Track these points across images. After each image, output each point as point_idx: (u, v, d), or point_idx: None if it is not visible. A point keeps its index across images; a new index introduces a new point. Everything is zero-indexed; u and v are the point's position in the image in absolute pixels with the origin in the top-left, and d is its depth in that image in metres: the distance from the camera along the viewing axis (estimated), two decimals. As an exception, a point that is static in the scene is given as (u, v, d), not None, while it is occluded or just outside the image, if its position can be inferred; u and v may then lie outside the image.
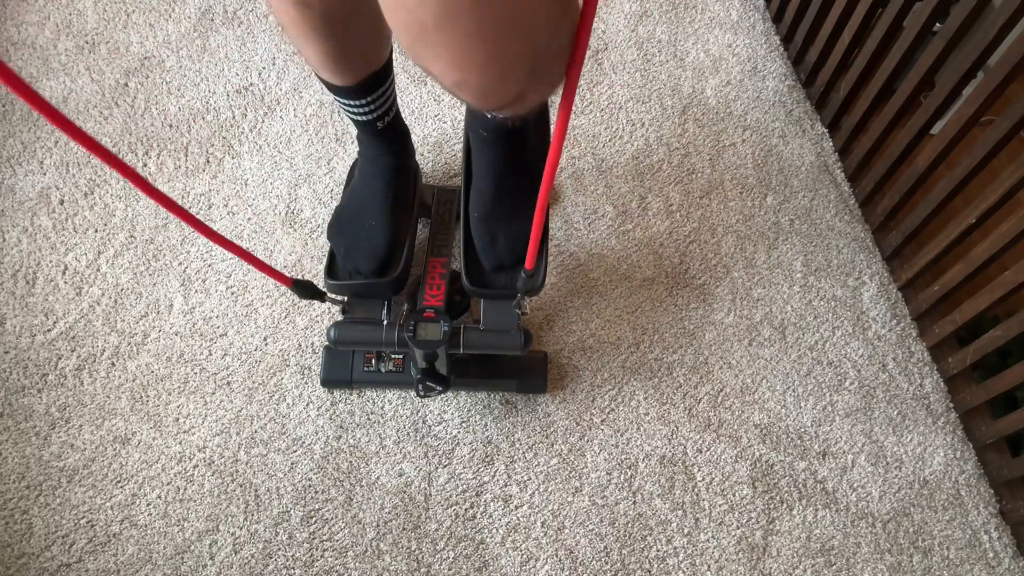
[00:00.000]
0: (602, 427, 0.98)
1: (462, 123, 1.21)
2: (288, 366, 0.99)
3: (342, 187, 0.98)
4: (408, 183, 0.93)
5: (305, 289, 0.76)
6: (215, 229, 1.06)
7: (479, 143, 0.87)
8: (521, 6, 0.34)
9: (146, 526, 0.88)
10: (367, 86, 0.78)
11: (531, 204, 0.89)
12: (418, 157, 1.16)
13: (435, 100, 1.23)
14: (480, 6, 0.33)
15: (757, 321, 1.07)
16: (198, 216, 1.09)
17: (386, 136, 0.87)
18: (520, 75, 0.38)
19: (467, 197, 0.89)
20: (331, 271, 0.86)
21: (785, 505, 0.95)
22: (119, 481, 0.90)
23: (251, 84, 1.21)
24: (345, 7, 0.68)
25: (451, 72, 0.37)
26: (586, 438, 0.97)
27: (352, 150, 1.16)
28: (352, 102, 0.80)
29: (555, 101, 1.24)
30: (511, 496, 0.93)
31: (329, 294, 0.83)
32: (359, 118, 0.83)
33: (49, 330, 0.98)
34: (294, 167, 1.14)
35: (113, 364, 0.97)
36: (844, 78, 1.20)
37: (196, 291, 1.03)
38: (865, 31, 1.13)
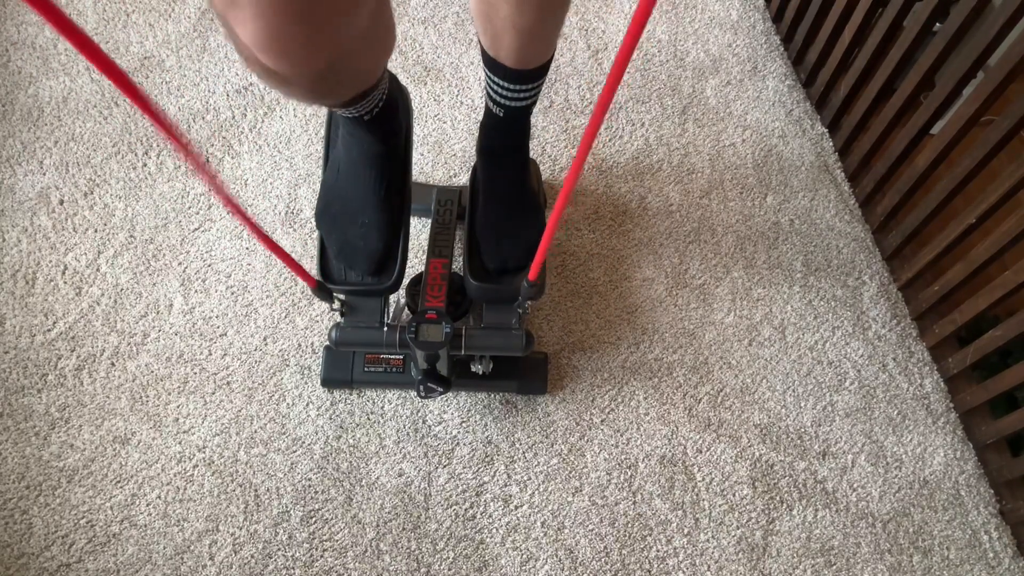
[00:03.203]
0: (602, 427, 0.98)
1: (462, 123, 1.21)
2: (288, 366, 0.99)
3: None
4: (398, 168, 0.85)
5: (325, 292, 0.78)
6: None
7: (489, 160, 0.88)
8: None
9: (146, 526, 0.88)
10: (354, 100, 0.71)
11: (538, 215, 0.90)
12: (418, 157, 1.17)
13: (435, 100, 1.23)
14: None
15: (757, 321, 1.07)
16: (197, 215, 1.09)
17: (374, 125, 0.79)
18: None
19: (473, 201, 0.90)
20: (324, 270, 0.83)
21: (785, 505, 0.95)
22: (119, 481, 0.90)
23: (251, 84, 1.21)
24: (328, 71, 0.58)
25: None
26: (586, 438, 0.97)
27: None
28: (338, 110, 0.75)
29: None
30: (511, 496, 0.93)
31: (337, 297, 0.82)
32: (343, 115, 0.77)
33: (49, 330, 0.98)
34: (294, 167, 1.14)
35: (113, 364, 0.97)
36: (844, 78, 1.20)
37: (196, 291, 1.03)
38: (865, 31, 1.13)
